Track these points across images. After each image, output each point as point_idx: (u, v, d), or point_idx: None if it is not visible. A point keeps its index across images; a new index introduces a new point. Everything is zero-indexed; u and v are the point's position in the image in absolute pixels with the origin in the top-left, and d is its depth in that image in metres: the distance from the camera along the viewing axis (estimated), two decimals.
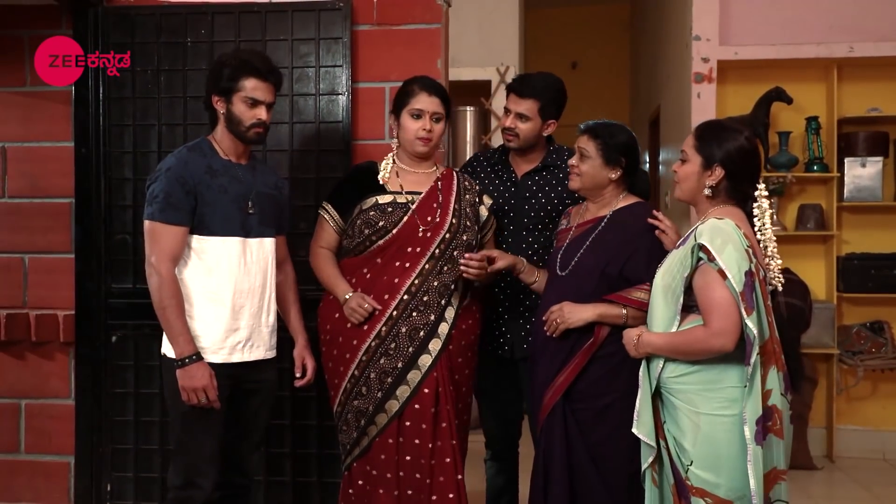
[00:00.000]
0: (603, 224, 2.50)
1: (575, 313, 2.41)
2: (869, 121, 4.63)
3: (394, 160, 2.67)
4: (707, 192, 2.19)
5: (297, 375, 2.65)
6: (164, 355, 2.45)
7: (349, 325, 2.55)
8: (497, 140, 5.39)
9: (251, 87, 2.43)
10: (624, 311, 2.39)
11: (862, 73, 4.62)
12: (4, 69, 3.23)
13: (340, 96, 3.07)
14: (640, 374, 2.26)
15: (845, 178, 4.59)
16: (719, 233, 2.09)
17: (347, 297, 2.55)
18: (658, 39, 6.01)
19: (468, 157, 5.22)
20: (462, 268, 2.51)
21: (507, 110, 2.77)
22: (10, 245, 3.25)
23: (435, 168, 2.70)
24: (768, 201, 2.23)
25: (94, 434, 3.14)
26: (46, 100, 3.21)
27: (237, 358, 2.46)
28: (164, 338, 2.45)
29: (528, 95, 2.73)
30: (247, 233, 2.48)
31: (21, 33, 3.20)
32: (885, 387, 4.71)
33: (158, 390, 3.02)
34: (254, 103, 2.44)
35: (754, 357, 2.05)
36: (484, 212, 2.73)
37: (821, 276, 4.72)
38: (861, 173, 4.57)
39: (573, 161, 2.53)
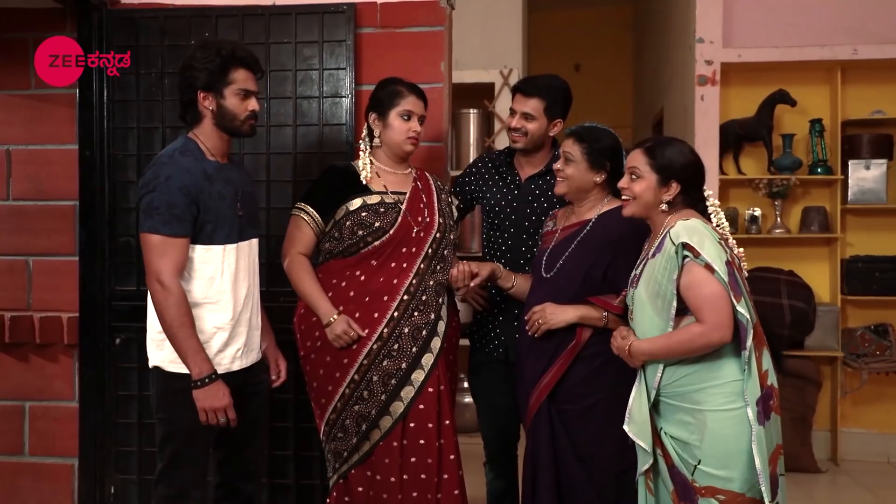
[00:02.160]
0: (588, 227, 2.53)
1: (557, 314, 2.44)
2: (873, 123, 4.63)
3: (371, 161, 2.65)
4: (663, 206, 2.25)
5: (273, 378, 2.61)
6: (159, 368, 2.36)
7: None
8: (500, 142, 5.39)
9: (242, 78, 2.37)
10: (605, 314, 2.43)
11: (866, 75, 4.62)
12: (9, 72, 3.24)
13: (344, 99, 3.07)
14: (638, 375, 2.27)
15: (849, 181, 4.59)
16: (693, 231, 2.15)
17: (333, 319, 2.52)
18: (661, 42, 6.01)
19: (472, 159, 5.29)
20: (454, 284, 2.59)
21: (512, 111, 2.78)
22: (14, 247, 3.25)
23: (410, 169, 2.71)
24: (717, 200, 2.32)
25: (98, 436, 3.15)
26: (51, 103, 3.22)
27: (238, 365, 2.41)
28: (153, 350, 2.38)
29: (533, 94, 2.74)
30: (240, 236, 2.42)
31: (25, 36, 3.21)
32: (890, 390, 4.70)
33: None
34: (246, 94, 2.39)
35: (749, 341, 2.10)
36: (455, 211, 2.78)
37: (825, 278, 4.72)
38: (865, 175, 4.57)
39: (558, 165, 2.54)
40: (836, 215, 4.64)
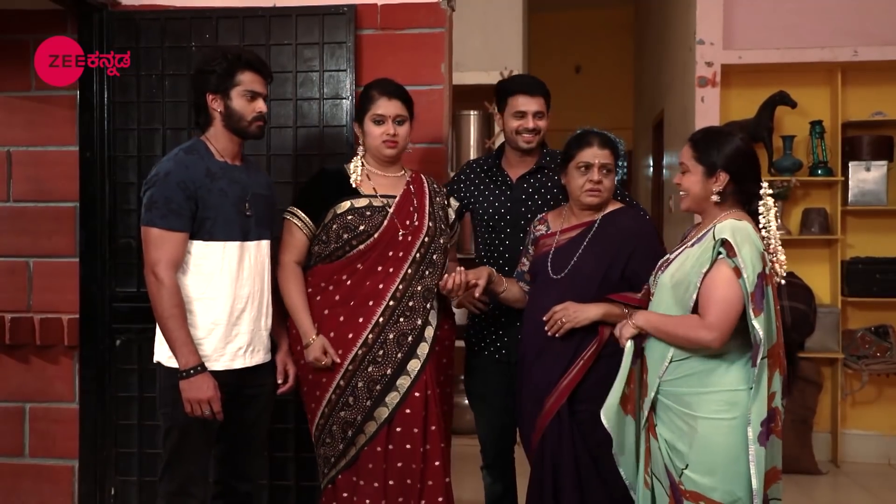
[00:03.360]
0: (595, 227, 2.53)
1: (582, 312, 2.43)
2: (873, 125, 4.63)
3: (362, 164, 2.65)
4: (715, 198, 2.21)
5: (280, 381, 2.61)
6: (160, 364, 2.41)
7: (332, 333, 2.53)
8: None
9: (249, 80, 2.42)
10: (626, 311, 2.42)
11: (866, 76, 4.62)
12: (10, 74, 3.25)
13: (344, 100, 3.07)
14: (625, 354, 2.28)
15: (850, 182, 4.59)
16: (739, 232, 2.12)
17: (312, 339, 2.51)
18: (662, 43, 6.01)
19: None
20: (447, 293, 2.55)
21: (521, 113, 2.73)
22: (15, 249, 3.26)
23: (403, 172, 2.70)
24: (773, 200, 2.25)
25: (98, 438, 3.15)
26: (51, 104, 3.22)
27: (239, 364, 2.44)
28: (158, 345, 2.42)
29: (538, 93, 2.75)
30: (245, 236, 2.45)
31: (26, 38, 3.21)
32: (890, 391, 4.70)
33: None
34: (253, 96, 2.43)
35: (760, 359, 2.06)
36: (452, 214, 2.75)
37: (825, 280, 4.71)
38: (866, 177, 4.57)
39: (597, 176, 2.50)
40: (836, 217, 4.64)
